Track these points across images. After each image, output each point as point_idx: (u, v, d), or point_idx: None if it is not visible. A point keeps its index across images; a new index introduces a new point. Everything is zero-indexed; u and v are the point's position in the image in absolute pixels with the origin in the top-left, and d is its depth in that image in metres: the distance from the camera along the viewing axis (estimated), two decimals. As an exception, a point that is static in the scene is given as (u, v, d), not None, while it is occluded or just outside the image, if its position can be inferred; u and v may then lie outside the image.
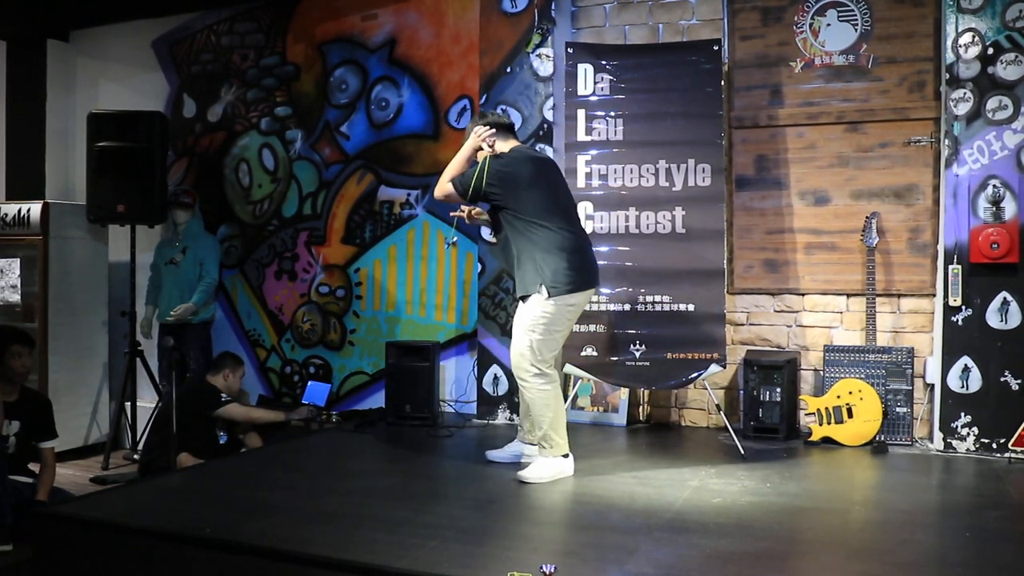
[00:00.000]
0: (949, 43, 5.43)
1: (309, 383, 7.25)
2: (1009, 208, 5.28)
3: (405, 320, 7.01)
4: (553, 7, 6.26)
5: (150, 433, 6.20)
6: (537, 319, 4.74)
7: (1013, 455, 5.17)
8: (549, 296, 4.73)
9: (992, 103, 5.34)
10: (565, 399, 5.84)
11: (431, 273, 6.93)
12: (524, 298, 4.84)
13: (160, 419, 5.90)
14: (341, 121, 7.24)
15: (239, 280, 7.59)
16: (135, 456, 6.63)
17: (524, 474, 4.66)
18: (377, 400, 6.89)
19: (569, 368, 5.59)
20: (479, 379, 6.43)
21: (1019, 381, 5.26)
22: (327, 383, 7.20)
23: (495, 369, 6.34)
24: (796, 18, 6.03)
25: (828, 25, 5.97)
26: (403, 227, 7.03)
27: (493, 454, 5.14)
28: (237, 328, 7.59)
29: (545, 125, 6.23)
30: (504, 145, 5.02)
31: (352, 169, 7.20)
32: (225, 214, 7.64)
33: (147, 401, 7.01)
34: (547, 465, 4.70)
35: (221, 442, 5.89)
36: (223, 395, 5.92)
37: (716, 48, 5.77)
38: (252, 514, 4.03)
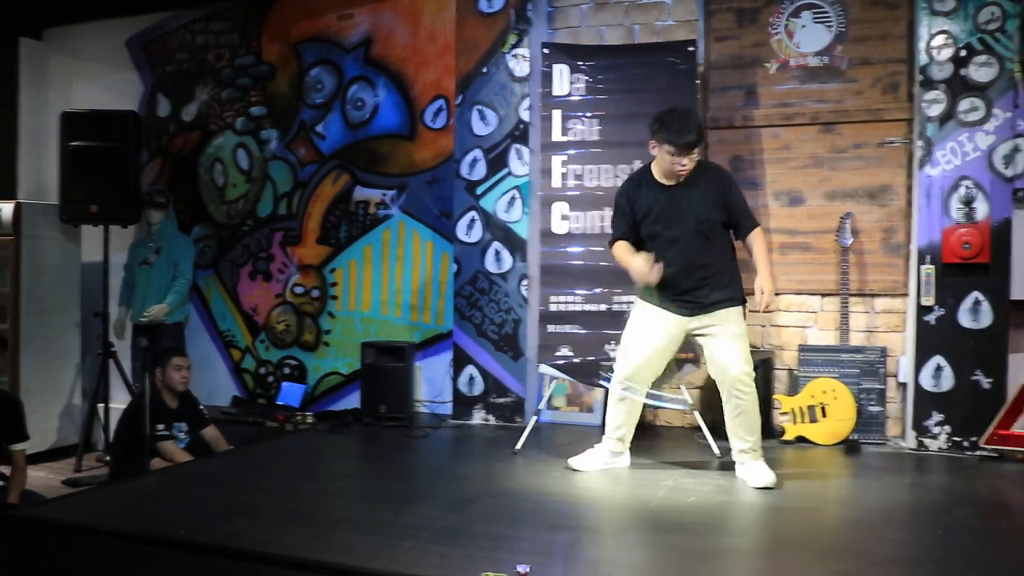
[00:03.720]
0: (922, 45, 5.47)
1: (283, 384, 7.22)
2: (981, 209, 5.32)
3: (380, 320, 6.99)
4: (529, 7, 6.27)
5: (115, 438, 6.10)
6: (745, 326, 4.75)
7: (983, 453, 5.21)
8: (743, 305, 4.76)
9: (964, 105, 5.38)
10: (540, 399, 5.86)
11: (406, 273, 6.91)
12: (714, 307, 4.67)
13: (125, 422, 5.84)
14: (316, 121, 7.21)
15: (213, 281, 7.55)
16: (107, 458, 6.58)
17: (765, 480, 4.58)
18: (352, 401, 6.87)
19: (544, 368, 5.59)
20: (455, 379, 6.41)
21: (990, 380, 5.30)
22: (302, 384, 7.18)
23: (470, 370, 6.33)
24: (771, 19, 6.06)
25: (803, 27, 6.00)
26: (378, 227, 7.01)
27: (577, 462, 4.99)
28: (211, 329, 7.54)
29: (521, 125, 6.23)
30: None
31: (327, 169, 7.18)
32: (199, 214, 7.60)
33: (120, 403, 6.93)
34: (765, 470, 4.63)
35: (181, 446, 5.82)
36: (159, 428, 5.79)
37: (691, 49, 5.78)
38: (227, 516, 4.01)
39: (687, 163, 4.59)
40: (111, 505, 4.31)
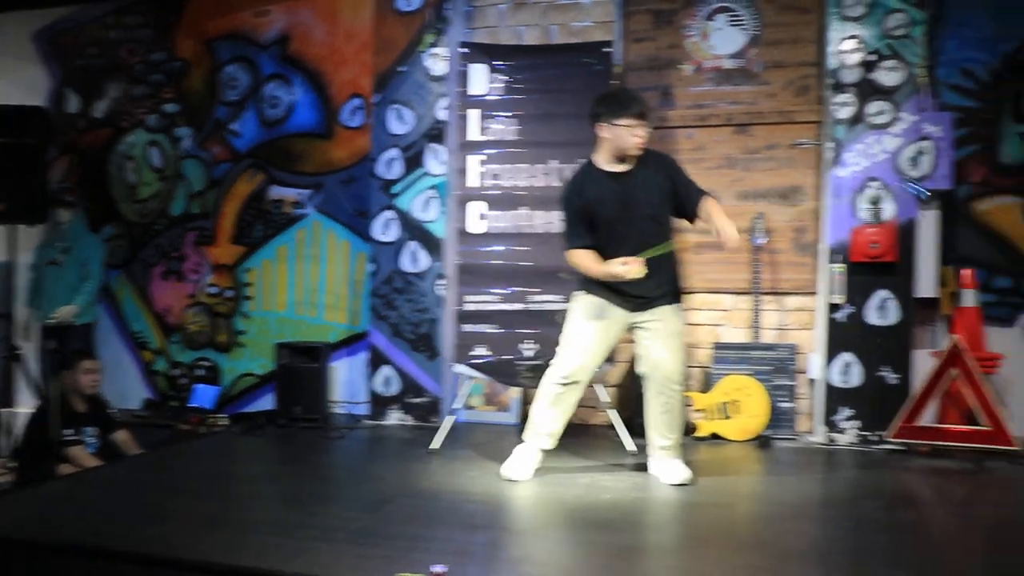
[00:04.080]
0: (833, 49, 5.59)
1: (196, 386, 7.11)
2: (888, 209, 5.45)
3: (296, 321, 6.92)
4: (447, 7, 6.26)
5: (21, 443, 5.96)
6: (683, 325, 4.75)
7: (890, 447, 5.34)
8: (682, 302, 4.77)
9: (873, 108, 5.51)
10: (457, 399, 5.85)
11: (322, 273, 6.85)
12: (658, 301, 4.63)
13: (32, 427, 5.71)
14: (231, 119, 7.12)
15: (124, 281, 7.40)
16: (13, 464, 6.40)
17: (680, 477, 4.61)
18: (267, 402, 6.80)
19: (460, 368, 5.58)
20: (370, 380, 6.37)
21: (896, 376, 5.44)
22: (215, 386, 7.07)
23: (386, 370, 6.29)
24: (687, 22, 6.14)
25: (718, 29, 6.09)
26: (294, 227, 6.95)
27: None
28: (122, 330, 7.39)
29: (438, 125, 6.21)
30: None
31: (242, 168, 7.10)
32: (110, 213, 7.44)
33: (26, 407, 6.76)
34: (681, 467, 4.66)
35: (91, 451, 5.70)
36: (68, 432, 5.69)
37: (607, 50, 5.82)
38: (138, 521, 3.91)
39: (644, 134, 4.53)
40: (17, 512, 4.18)
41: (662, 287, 4.62)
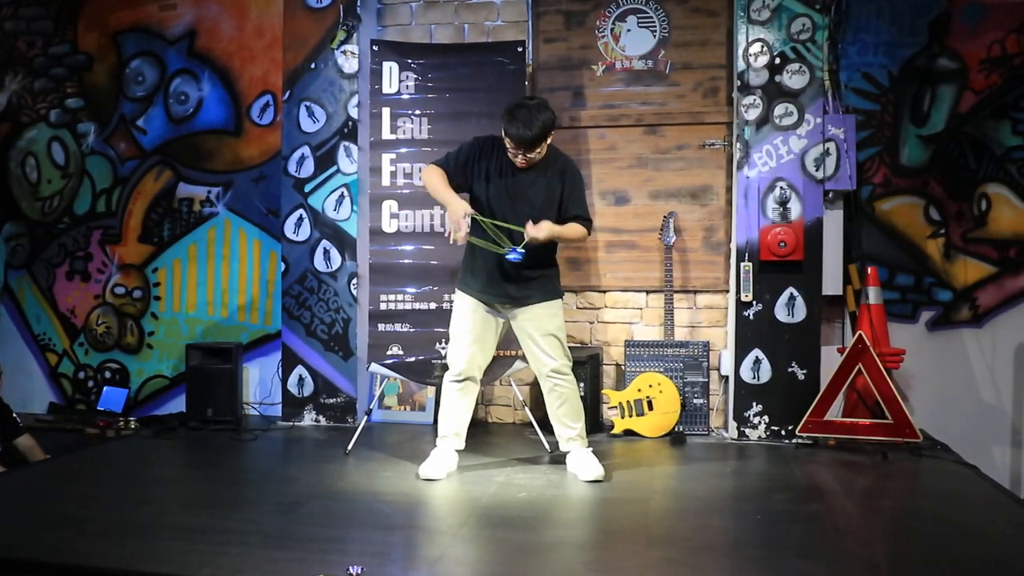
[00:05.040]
0: (740, 52, 5.68)
1: (105, 388, 6.95)
2: (795, 209, 5.57)
3: (206, 321, 6.81)
4: (359, 3, 6.20)
5: None
6: (563, 320, 4.80)
7: (799, 441, 5.47)
8: (562, 297, 4.84)
9: (779, 110, 5.62)
10: (371, 399, 5.83)
11: (233, 273, 6.76)
12: (530, 301, 4.71)
13: None
14: (137, 115, 6.98)
15: (27, 281, 7.21)
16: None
17: (594, 474, 4.66)
18: (178, 405, 6.68)
19: (375, 368, 5.55)
20: (284, 380, 6.30)
21: (804, 371, 5.56)
22: (124, 388, 6.93)
23: (300, 370, 6.22)
24: (598, 23, 6.19)
25: (628, 31, 6.16)
26: (204, 225, 6.84)
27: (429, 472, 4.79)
28: (25, 332, 7.19)
29: (350, 123, 6.16)
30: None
31: (149, 165, 6.96)
32: (10, 211, 7.23)
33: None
34: (594, 464, 4.73)
35: None
36: (19, 421, 5.57)
37: (520, 50, 5.84)
38: (45, 529, 3.82)
39: (521, 159, 4.57)
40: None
41: (531, 287, 4.71)
